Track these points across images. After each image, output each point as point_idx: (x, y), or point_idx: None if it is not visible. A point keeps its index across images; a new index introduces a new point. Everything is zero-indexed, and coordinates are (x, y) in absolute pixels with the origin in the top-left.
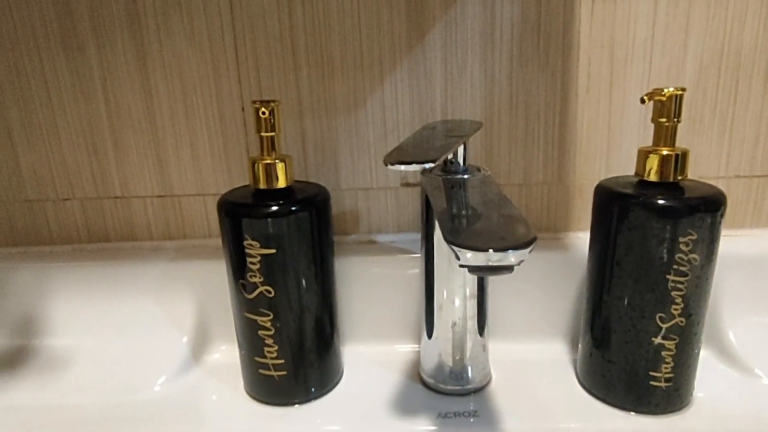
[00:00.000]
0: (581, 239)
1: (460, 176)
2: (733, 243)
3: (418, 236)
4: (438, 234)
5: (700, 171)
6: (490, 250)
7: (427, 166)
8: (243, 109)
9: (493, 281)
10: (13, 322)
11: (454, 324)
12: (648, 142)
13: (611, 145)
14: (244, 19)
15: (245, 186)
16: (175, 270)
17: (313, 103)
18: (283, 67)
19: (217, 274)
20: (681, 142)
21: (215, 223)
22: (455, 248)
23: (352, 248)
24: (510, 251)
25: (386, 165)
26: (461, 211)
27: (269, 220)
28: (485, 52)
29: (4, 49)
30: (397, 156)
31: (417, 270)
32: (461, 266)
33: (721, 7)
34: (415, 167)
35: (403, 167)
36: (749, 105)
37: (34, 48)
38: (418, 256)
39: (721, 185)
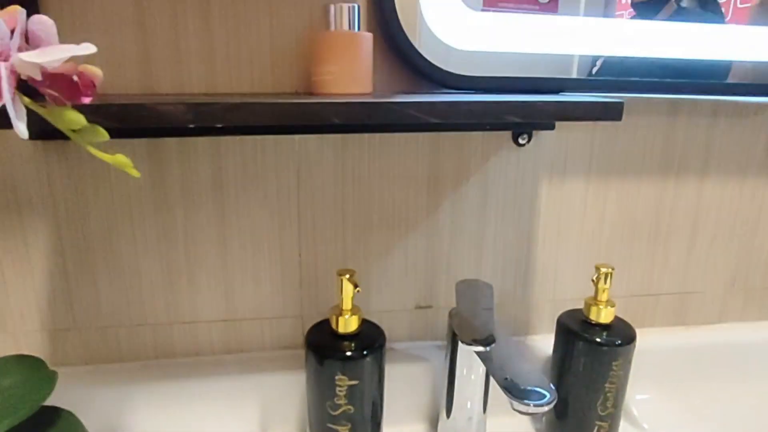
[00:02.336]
0: (539, 340)
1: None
2: None
3: (425, 343)
4: (461, 349)
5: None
6: (531, 404)
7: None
8: (300, 254)
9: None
10: None
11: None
12: (584, 273)
13: (558, 282)
14: (307, 190)
15: (322, 324)
16: (242, 382)
17: (354, 251)
18: (333, 225)
19: (280, 382)
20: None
21: (269, 338)
22: (512, 399)
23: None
24: (545, 406)
25: (467, 344)
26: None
27: (360, 362)
28: (480, 221)
29: (98, 211)
30: (471, 335)
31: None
32: (515, 409)
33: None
34: (482, 348)
35: (480, 348)
36: (641, 257)
37: (127, 212)
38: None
39: (626, 302)
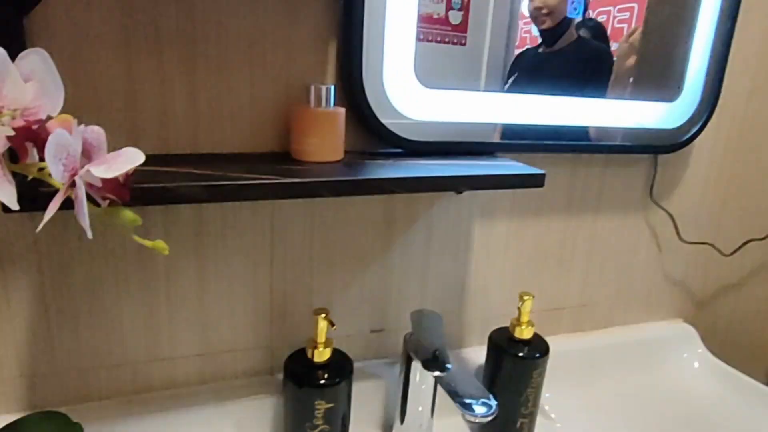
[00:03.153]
0: (472, 352)
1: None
2: None
3: (378, 362)
4: (414, 367)
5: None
6: (479, 416)
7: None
8: (271, 292)
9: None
10: None
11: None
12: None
13: (487, 303)
14: (279, 236)
15: (296, 355)
16: (218, 409)
17: (319, 287)
18: (301, 265)
19: (253, 407)
20: None
21: (242, 367)
22: (465, 412)
23: None
24: (490, 416)
25: (430, 371)
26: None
27: (335, 387)
28: (424, 256)
29: (82, 262)
30: (429, 362)
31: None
32: (466, 420)
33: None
34: (439, 373)
35: (437, 372)
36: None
37: (111, 261)
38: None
39: (539, 315)
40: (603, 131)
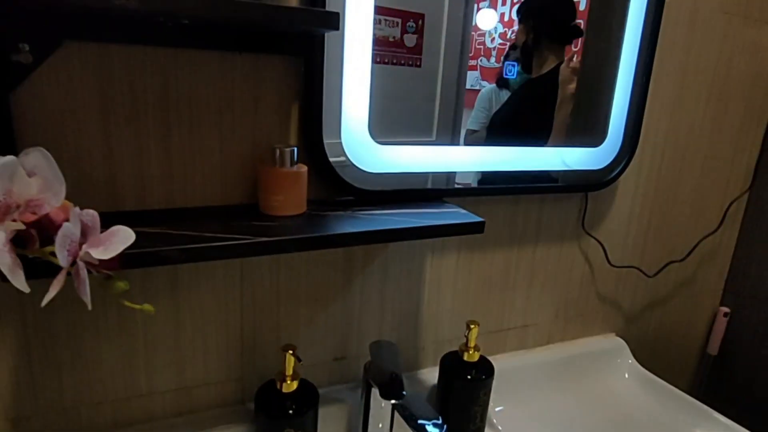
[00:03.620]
0: (426, 373)
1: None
2: None
3: (340, 387)
4: (374, 392)
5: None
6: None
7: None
8: (241, 329)
9: None
10: None
11: None
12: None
13: (438, 328)
14: (248, 279)
15: (267, 386)
16: None
17: (286, 321)
18: (269, 303)
19: None
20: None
21: (215, 399)
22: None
23: None
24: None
25: (387, 399)
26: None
27: (303, 416)
28: (381, 290)
29: (65, 311)
30: (386, 390)
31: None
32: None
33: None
34: (395, 400)
35: (394, 400)
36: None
37: (92, 310)
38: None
39: (486, 336)
40: (540, 173)
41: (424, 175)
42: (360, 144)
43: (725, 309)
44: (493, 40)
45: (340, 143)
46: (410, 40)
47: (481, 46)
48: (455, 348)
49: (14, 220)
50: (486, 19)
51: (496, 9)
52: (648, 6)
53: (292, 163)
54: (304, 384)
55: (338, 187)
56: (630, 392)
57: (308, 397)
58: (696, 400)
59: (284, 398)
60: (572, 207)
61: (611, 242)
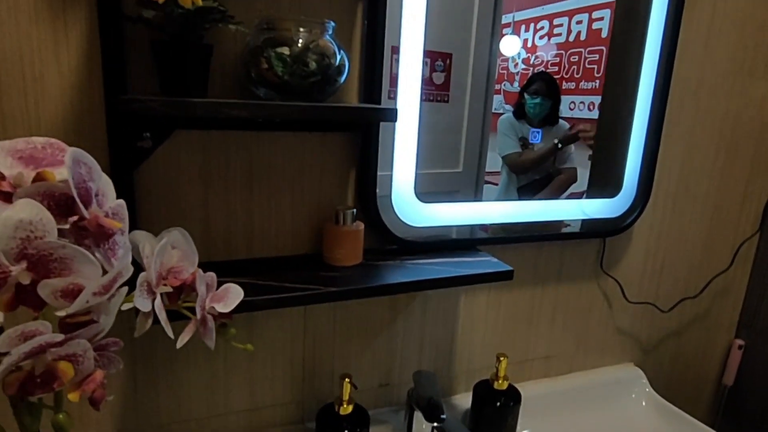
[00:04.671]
0: (459, 399)
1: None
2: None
3: (385, 409)
4: (417, 415)
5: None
6: None
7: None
8: (303, 358)
9: None
10: None
11: None
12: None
13: (471, 358)
14: (310, 316)
15: (327, 408)
16: None
17: (340, 353)
18: (326, 337)
19: None
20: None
21: (280, 418)
22: None
23: None
24: None
25: (430, 422)
26: None
27: None
28: (421, 325)
29: (164, 343)
30: (430, 414)
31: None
32: None
33: None
34: (437, 424)
35: (435, 423)
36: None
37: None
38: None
39: (514, 365)
40: (561, 221)
41: (459, 227)
42: (406, 202)
43: (740, 341)
44: (516, 65)
45: (391, 204)
46: (438, 77)
47: (505, 71)
48: (486, 377)
49: (165, 284)
50: (509, 46)
51: (519, 35)
52: (658, 69)
53: (352, 222)
54: (357, 407)
55: (387, 238)
56: (647, 419)
57: (361, 419)
58: (712, 430)
59: (341, 420)
60: (591, 249)
61: (628, 280)
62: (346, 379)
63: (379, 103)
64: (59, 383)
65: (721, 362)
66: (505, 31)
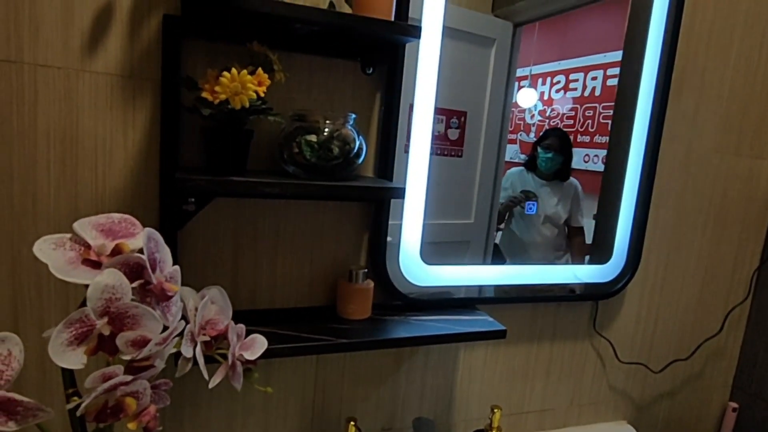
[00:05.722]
0: None
1: None
2: None
3: None
4: None
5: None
6: None
7: None
8: (313, 401)
9: None
10: None
11: None
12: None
13: (468, 408)
14: (322, 364)
15: None
16: None
17: (348, 397)
18: (335, 383)
19: None
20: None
21: None
22: None
23: None
24: None
25: None
26: None
27: None
28: (422, 376)
29: (190, 382)
30: None
31: None
32: None
33: None
34: None
35: None
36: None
37: (206, 396)
38: None
39: (509, 417)
40: (555, 284)
41: (460, 288)
42: (413, 264)
43: (734, 404)
44: (533, 116)
45: (398, 266)
46: (453, 134)
47: (521, 122)
48: (482, 426)
49: (204, 334)
50: (526, 98)
51: (536, 88)
52: (646, 149)
53: (363, 280)
54: None
55: (394, 295)
56: None
57: None
58: None
59: None
60: (584, 311)
61: (620, 341)
62: (352, 423)
63: (391, 179)
64: (124, 414)
65: (716, 424)
66: (522, 83)
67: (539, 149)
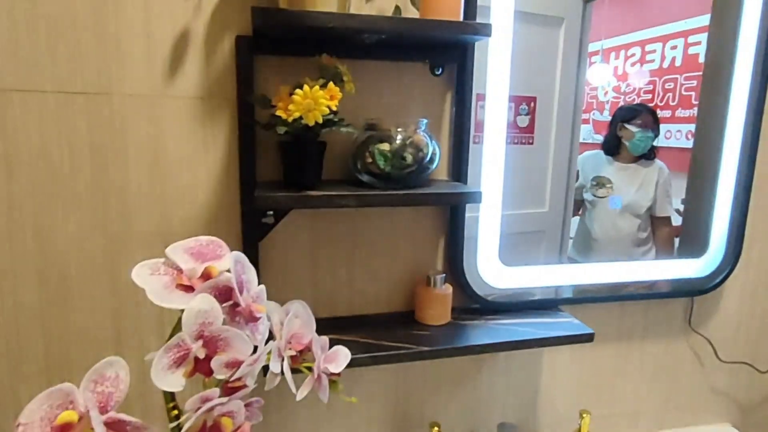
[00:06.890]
0: None
1: None
2: None
3: None
4: None
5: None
6: None
7: None
8: (395, 404)
9: None
10: None
11: None
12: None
13: (553, 415)
14: (402, 369)
15: None
16: None
17: (430, 402)
18: (417, 391)
19: None
20: None
21: None
22: None
23: None
24: None
25: None
26: None
27: None
28: (507, 384)
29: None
30: None
31: None
32: None
33: None
34: None
35: None
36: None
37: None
38: None
39: (601, 419)
40: (641, 282)
41: (541, 289)
42: (491, 266)
43: None
44: (606, 93)
45: (476, 269)
46: (523, 121)
47: (593, 100)
48: (569, 431)
49: (290, 348)
50: (599, 75)
51: (608, 63)
52: (746, 122)
53: (441, 285)
54: None
55: (472, 298)
56: None
57: None
58: None
59: None
60: (677, 307)
61: (720, 338)
62: (435, 427)
63: (466, 182)
64: None
65: None
66: (593, 59)
67: (632, 129)
